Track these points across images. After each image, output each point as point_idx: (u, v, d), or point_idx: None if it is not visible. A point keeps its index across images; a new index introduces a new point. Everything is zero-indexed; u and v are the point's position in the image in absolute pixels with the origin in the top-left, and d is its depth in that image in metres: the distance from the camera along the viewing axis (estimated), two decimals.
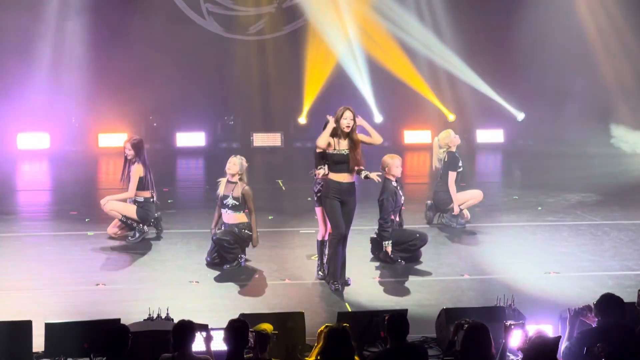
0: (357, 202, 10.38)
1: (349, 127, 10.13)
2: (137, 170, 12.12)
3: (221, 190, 11.16)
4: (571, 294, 10.07)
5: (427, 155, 15.77)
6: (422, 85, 20.07)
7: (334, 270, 10.29)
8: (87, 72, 19.15)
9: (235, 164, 11.15)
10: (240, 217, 11.12)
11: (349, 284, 10.38)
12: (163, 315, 8.44)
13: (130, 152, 12.15)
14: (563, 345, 7.13)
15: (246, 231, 11.08)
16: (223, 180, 11.21)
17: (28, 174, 18.09)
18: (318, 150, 10.37)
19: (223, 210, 11.17)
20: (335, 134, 10.17)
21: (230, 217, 11.10)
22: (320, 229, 10.82)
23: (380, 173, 11.04)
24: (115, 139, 19.30)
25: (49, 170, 18.50)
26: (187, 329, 7.05)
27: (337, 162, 10.20)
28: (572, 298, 9.67)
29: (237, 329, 6.82)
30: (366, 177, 10.51)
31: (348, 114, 10.14)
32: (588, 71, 19.96)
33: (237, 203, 11.07)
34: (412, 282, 10.76)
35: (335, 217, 10.23)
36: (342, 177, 10.20)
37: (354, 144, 10.18)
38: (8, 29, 18.80)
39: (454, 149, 13.03)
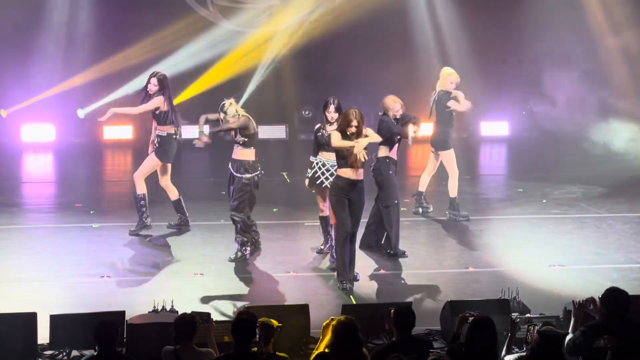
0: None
1: (357, 127, 9.83)
2: (157, 101, 11.87)
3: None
4: (575, 287, 10.07)
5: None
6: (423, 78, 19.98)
7: (342, 268, 10.12)
8: (91, 64, 19.12)
9: (232, 114, 10.99)
10: (249, 154, 10.98)
11: (357, 280, 10.29)
12: (168, 308, 8.47)
13: (155, 87, 11.88)
14: (567, 338, 7.13)
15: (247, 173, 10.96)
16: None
17: (33, 166, 18.10)
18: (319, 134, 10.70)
19: (234, 145, 11.05)
20: (344, 134, 9.88)
21: (239, 153, 10.99)
22: (319, 206, 11.02)
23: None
24: (120, 131, 19.32)
25: (54, 162, 18.51)
26: (189, 321, 7.07)
27: (344, 158, 10.00)
28: (576, 291, 9.68)
29: (245, 320, 6.78)
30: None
31: (354, 123, 9.80)
32: (591, 64, 19.89)
33: (246, 139, 10.97)
34: (416, 274, 10.76)
35: (341, 214, 10.06)
36: (351, 174, 10.01)
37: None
38: (12, 20, 18.76)
39: (444, 88, 13.03)
